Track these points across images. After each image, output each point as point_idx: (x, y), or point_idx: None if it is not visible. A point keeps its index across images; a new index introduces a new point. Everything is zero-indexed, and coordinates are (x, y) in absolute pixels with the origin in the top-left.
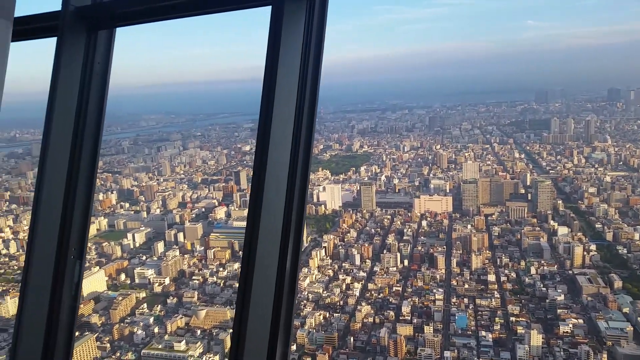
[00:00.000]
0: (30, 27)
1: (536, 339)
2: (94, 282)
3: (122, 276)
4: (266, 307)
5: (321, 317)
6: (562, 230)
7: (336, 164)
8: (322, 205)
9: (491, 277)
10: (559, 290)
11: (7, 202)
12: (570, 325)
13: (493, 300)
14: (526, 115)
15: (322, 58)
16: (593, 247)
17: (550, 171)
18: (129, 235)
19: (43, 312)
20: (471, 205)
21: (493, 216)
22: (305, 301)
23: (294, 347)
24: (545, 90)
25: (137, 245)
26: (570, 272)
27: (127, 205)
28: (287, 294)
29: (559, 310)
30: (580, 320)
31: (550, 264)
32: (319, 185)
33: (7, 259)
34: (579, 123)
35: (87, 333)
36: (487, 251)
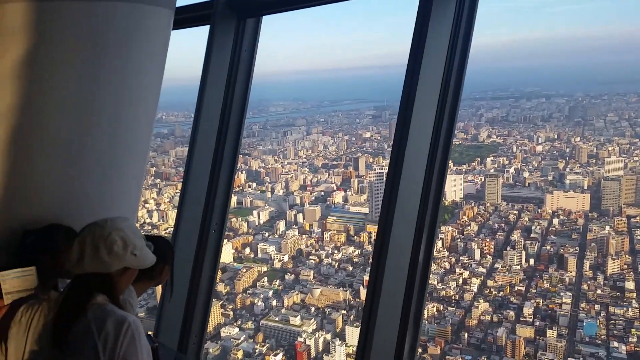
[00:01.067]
0: (184, 17)
1: None
2: (222, 253)
3: (247, 250)
4: (397, 297)
5: (434, 309)
6: None
7: (460, 154)
8: (444, 197)
9: (629, 285)
10: None
11: (152, 177)
12: None
13: (630, 309)
14: None
15: (470, 43)
16: None
17: None
18: (255, 213)
19: (186, 279)
20: (612, 205)
21: (637, 218)
22: None
23: None
24: None
25: (262, 222)
26: None
27: (254, 185)
28: (418, 285)
29: None
30: None
31: None
32: None
33: (149, 227)
34: None
35: (213, 299)
36: (627, 256)
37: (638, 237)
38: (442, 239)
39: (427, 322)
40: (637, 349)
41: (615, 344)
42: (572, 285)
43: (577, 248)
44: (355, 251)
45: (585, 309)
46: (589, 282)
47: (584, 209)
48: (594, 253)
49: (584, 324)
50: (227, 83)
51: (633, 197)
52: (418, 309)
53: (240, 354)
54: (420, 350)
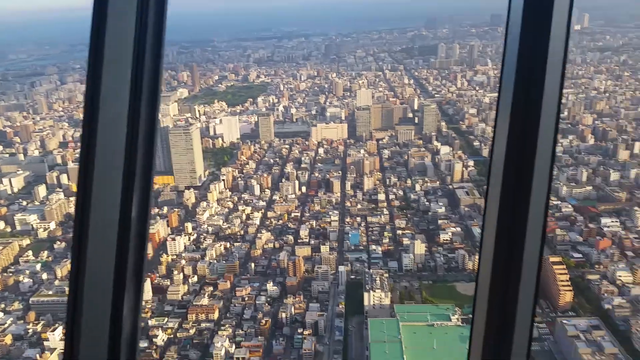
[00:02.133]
0: None
1: (420, 247)
2: None
3: (1, 224)
4: (107, 264)
5: (222, 247)
6: (444, 150)
7: (232, 95)
8: (220, 138)
9: (381, 196)
10: (440, 204)
11: None
12: (450, 234)
13: (382, 217)
14: (416, 41)
15: None
16: (471, 163)
17: (436, 95)
18: (5, 181)
19: None
20: (364, 131)
21: (384, 140)
22: (205, 234)
23: (194, 279)
24: (434, 17)
25: (15, 190)
26: (450, 186)
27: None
28: (134, 249)
29: (439, 221)
30: (458, 229)
31: (433, 181)
32: (215, 118)
33: None
34: (463, 48)
35: None
36: (378, 173)
37: (385, 156)
38: (223, 180)
39: (215, 261)
40: (390, 247)
41: (374, 247)
42: (338, 204)
43: (340, 172)
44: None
45: (350, 223)
46: (350, 200)
47: (343, 137)
48: (353, 174)
49: (349, 235)
50: None
51: (380, 123)
52: (137, 269)
53: (8, 339)
54: (211, 288)
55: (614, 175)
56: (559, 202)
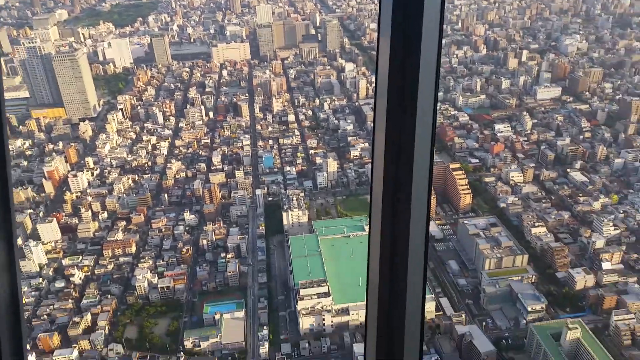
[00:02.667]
0: None
1: (332, 165)
2: None
3: None
4: None
5: (130, 180)
6: (349, 67)
7: (119, 15)
8: (111, 64)
9: (291, 117)
10: (348, 121)
11: None
12: (359, 149)
13: (294, 138)
14: None
15: None
16: (374, 78)
17: (337, 10)
18: None
19: None
20: (268, 50)
21: (289, 59)
22: (109, 168)
23: (104, 215)
24: None
25: None
26: (357, 103)
27: None
28: None
29: (349, 138)
30: (366, 144)
31: (340, 99)
32: (103, 41)
33: None
34: None
35: None
36: (286, 93)
37: (292, 76)
38: (121, 109)
39: (125, 195)
40: (303, 167)
41: (288, 168)
42: (248, 128)
43: (247, 94)
44: (25, 143)
45: (262, 146)
46: (261, 123)
47: (246, 57)
48: (261, 96)
49: (263, 158)
50: None
51: (283, 41)
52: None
53: None
54: (124, 222)
55: (505, 83)
56: (456, 112)
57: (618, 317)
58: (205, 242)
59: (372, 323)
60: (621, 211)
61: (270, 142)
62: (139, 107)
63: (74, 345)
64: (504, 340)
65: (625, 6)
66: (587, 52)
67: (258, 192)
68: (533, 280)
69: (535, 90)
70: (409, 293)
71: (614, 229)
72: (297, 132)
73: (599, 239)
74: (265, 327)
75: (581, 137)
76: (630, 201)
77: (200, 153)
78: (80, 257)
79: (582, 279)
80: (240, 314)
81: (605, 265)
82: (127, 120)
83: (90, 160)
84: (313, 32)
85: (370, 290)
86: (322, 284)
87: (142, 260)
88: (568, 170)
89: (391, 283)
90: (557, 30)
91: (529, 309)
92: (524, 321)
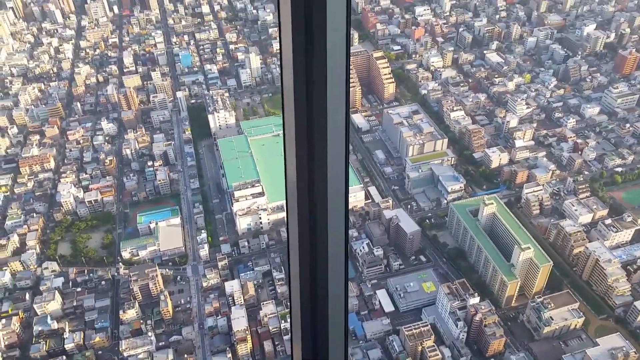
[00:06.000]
0: None
1: (255, 61)
2: None
3: None
4: None
5: (36, 90)
6: None
7: None
8: None
9: (205, 9)
10: (267, 10)
11: None
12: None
13: (211, 32)
14: None
15: None
16: None
17: None
18: None
19: None
20: None
21: None
22: (10, 77)
23: (14, 130)
24: None
25: None
26: None
27: None
28: None
29: (270, 30)
30: None
31: None
32: None
33: None
34: None
35: None
36: None
37: None
38: (12, 8)
39: (33, 106)
40: (225, 65)
41: (208, 66)
42: (160, 23)
43: None
44: None
45: (177, 42)
46: (173, 16)
47: None
48: None
49: (180, 57)
50: None
51: None
52: None
53: None
54: (38, 137)
55: None
56: None
57: (528, 190)
58: (128, 151)
59: (296, 324)
60: (533, 90)
61: (186, 37)
62: (32, 5)
63: (4, 267)
64: (427, 220)
65: None
66: None
67: (179, 94)
68: (452, 163)
69: None
70: (330, 292)
71: (527, 108)
72: (213, 26)
73: (512, 118)
74: (203, 231)
75: (497, 17)
76: (541, 79)
77: (109, 54)
78: None
79: (497, 158)
80: (176, 220)
81: (518, 143)
82: (21, 20)
83: None
84: None
85: (293, 290)
86: (256, 184)
87: (63, 175)
88: (485, 52)
89: (312, 281)
90: None
91: (449, 189)
92: (445, 201)
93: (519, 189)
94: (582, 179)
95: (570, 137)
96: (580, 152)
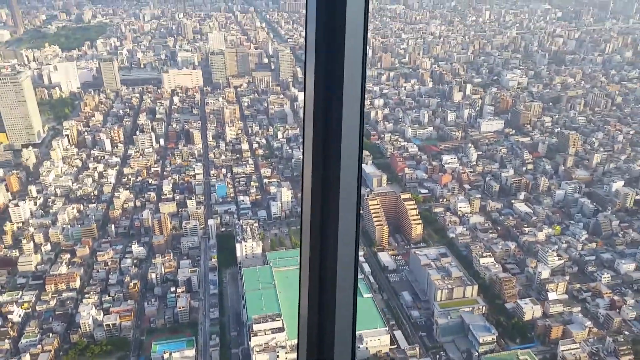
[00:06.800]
0: None
1: (286, 194)
2: None
3: None
4: None
5: (75, 210)
6: (302, 96)
7: (66, 38)
8: (57, 88)
9: (245, 146)
10: (301, 149)
11: None
12: None
13: (248, 166)
14: None
15: None
16: None
17: (289, 40)
18: None
19: None
20: (221, 78)
21: (242, 87)
22: (53, 197)
23: (47, 247)
24: None
25: None
26: None
27: None
28: None
29: None
30: None
31: (294, 127)
32: (49, 65)
33: None
34: None
35: None
36: (239, 122)
37: (245, 104)
38: (67, 135)
39: (69, 225)
40: (257, 197)
41: (242, 197)
42: (201, 156)
43: (199, 122)
44: None
45: (215, 174)
46: (214, 151)
47: (199, 84)
48: (213, 124)
49: (216, 187)
50: None
51: (236, 69)
52: None
53: None
54: (68, 255)
55: (451, 116)
56: (406, 143)
57: (564, 347)
58: (154, 275)
59: (303, 325)
60: (564, 241)
61: (224, 170)
62: (85, 134)
63: None
64: None
65: (559, 44)
66: (527, 86)
67: (211, 222)
68: (483, 311)
69: (480, 122)
70: (338, 293)
71: (558, 259)
72: (250, 161)
73: (544, 269)
74: None
75: (524, 168)
76: (572, 232)
77: (150, 182)
78: (20, 292)
79: (530, 310)
80: (191, 352)
81: (551, 296)
82: (73, 147)
83: (33, 188)
84: (266, 60)
85: (302, 292)
86: (277, 318)
87: (86, 295)
88: (513, 201)
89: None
90: (498, 65)
91: (481, 340)
92: (476, 353)
93: (554, 345)
94: (622, 339)
95: (606, 293)
96: (618, 310)
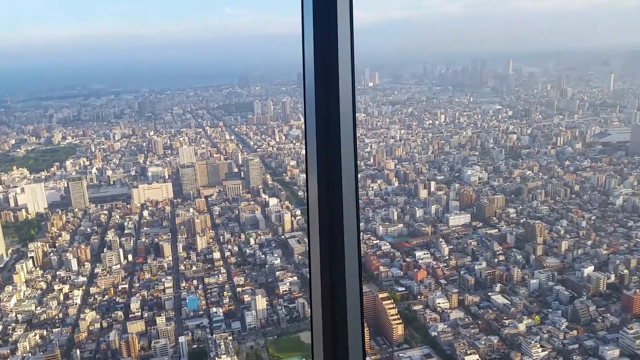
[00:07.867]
0: None
1: (261, 302)
2: None
3: None
4: None
5: (37, 337)
6: (273, 201)
7: (35, 160)
8: (23, 210)
9: (217, 255)
10: (275, 255)
11: None
12: (288, 284)
13: (220, 276)
14: (232, 98)
15: None
16: (298, 211)
17: (258, 149)
18: None
19: None
20: (191, 189)
21: (212, 197)
22: (13, 324)
23: None
24: (246, 75)
25: None
26: (282, 236)
27: None
28: None
29: (277, 273)
30: (295, 277)
31: (266, 232)
32: (16, 187)
33: None
34: (276, 105)
35: None
36: (211, 230)
37: (216, 212)
38: (32, 257)
39: (30, 354)
40: (230, 307)
41: (214, 309)
42: (171, 269)
43: (170, 234)
44: None
45: (186, 287)
46: (184, 262)
47: (169, 196)
48: (184, 235)
49: (187, 300)
50: None
51: (206, 179)
52: None
53: None
54: None
55: (419, 212)
56: (378, 241)
57: None
58: None
59: (317, 328)
60: (545, 331)
61: (195, 282)
62: (51, 254)
63: None
64: None
65: (513, 140)
66: (488, 181)
67: (181, 339)
68: None
69: (447, 217)
70: (349, 297)
71: (542, 350)
72: (223, 270)
73: None
74: None
75: (496, 260)
76: (552, 320)
77: (117, 300)
78: None
79: None
80: None
81: None
82: (38, 269)
83: None
84: (236, 170)
85: (314, 298)
86: None
87: None
88: (489, 293)
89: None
90: (458, 162)
91: None
92: None
93: None
94: None
95: None
96: None
